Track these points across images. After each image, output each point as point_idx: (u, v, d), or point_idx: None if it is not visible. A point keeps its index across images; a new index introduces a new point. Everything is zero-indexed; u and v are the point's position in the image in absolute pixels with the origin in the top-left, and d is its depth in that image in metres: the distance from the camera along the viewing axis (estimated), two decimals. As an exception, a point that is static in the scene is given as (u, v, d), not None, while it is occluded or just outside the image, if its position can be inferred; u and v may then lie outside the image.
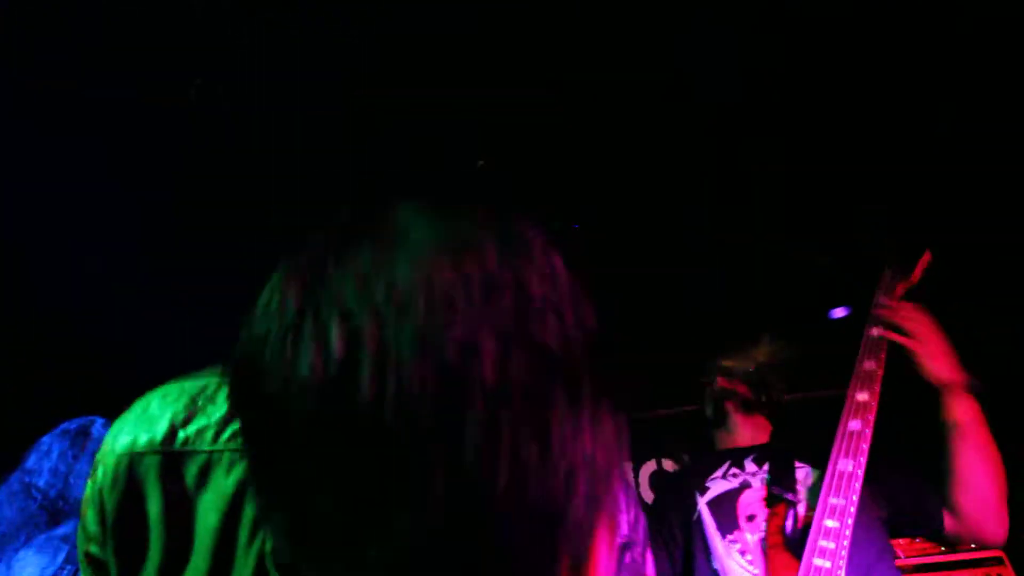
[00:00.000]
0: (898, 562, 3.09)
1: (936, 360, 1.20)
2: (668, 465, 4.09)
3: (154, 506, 0.52)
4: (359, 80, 1.99)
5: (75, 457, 2.01)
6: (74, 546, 1.90)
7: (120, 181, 2.24)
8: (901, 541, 3.25)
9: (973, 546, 3.14)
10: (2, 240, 2.37)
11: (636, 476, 4.19)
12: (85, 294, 2.65)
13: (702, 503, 1.36)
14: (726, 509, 1.30)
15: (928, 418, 1.21)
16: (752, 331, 3.72)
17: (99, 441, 2.06)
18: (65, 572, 1.85)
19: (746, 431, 1.50)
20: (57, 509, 1.96)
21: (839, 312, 3.41)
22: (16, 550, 1.90)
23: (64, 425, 2.07)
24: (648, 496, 4.12)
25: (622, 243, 3.01)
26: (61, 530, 1.92)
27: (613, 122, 2.32)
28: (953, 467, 1.15)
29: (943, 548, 3.21)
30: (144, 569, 0.52)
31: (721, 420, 1.53)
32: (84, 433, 2.06)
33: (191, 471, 0.52)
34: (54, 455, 2.01)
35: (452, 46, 1.89)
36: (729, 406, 1.53)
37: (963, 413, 1.17)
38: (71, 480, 1.98)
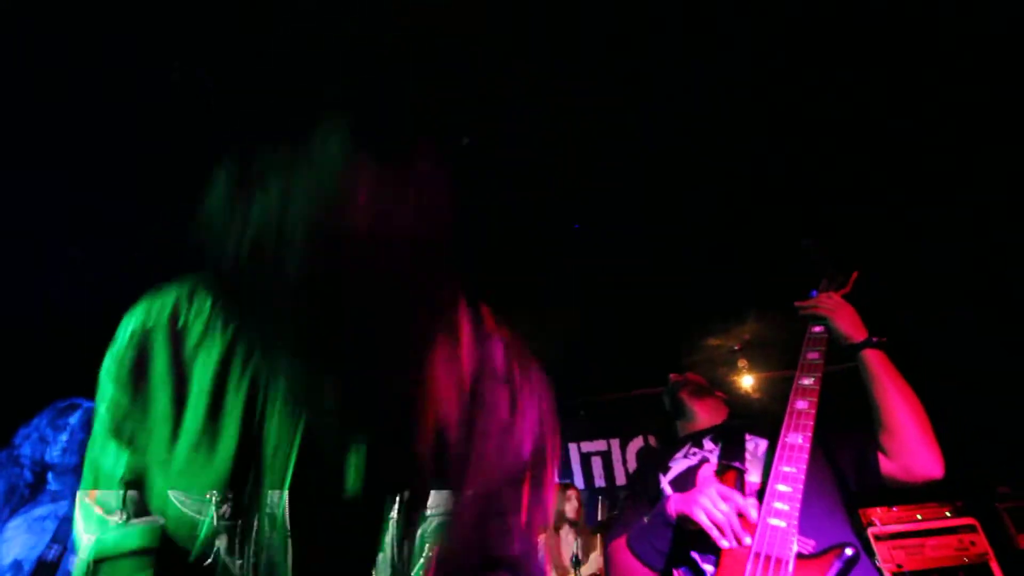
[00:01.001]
0: (874, 530, 3.21)
1: (845, 324, 1.39)
2: (653, 441, 4.23)
3: (161, 362, 0.72)
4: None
5: (56, 428, 2.12)
6: (61, 525, 1.98)
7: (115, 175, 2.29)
8: (878, 510, 3.37)
9: (948, 514, 3.26)
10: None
11: (623, 453, 4.33)
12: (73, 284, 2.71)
13: (664, 482, 1.47)
14: (686, 484, 1.39)
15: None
16: (737, 311, 3.83)
17: (83, 412, 2.17)
18: (52, 551, 1.93)
19: (703, 415, 1.59)
20: (38, 473, 2.06)
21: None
22: (4, 521, 2.00)
23: (52, 405, 2.17)
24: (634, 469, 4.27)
25: (613, 228, 3.08)
26: (49, 509, 2.01)
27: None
28: (877, 412, 1.30)
29: (919, 517, 3.31)
30: (154, 409, 0.71)
31: (680, 410, 1.62)
32: (70, 408, 2.17)
33: (191, 341, 0.73)
34: (38, 428, 2.13)
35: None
36: (683, 395, 1.62)
37: (873, 363, 1.32)
38: (49, 446, 2.08)
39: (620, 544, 1.38)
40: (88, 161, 2.14)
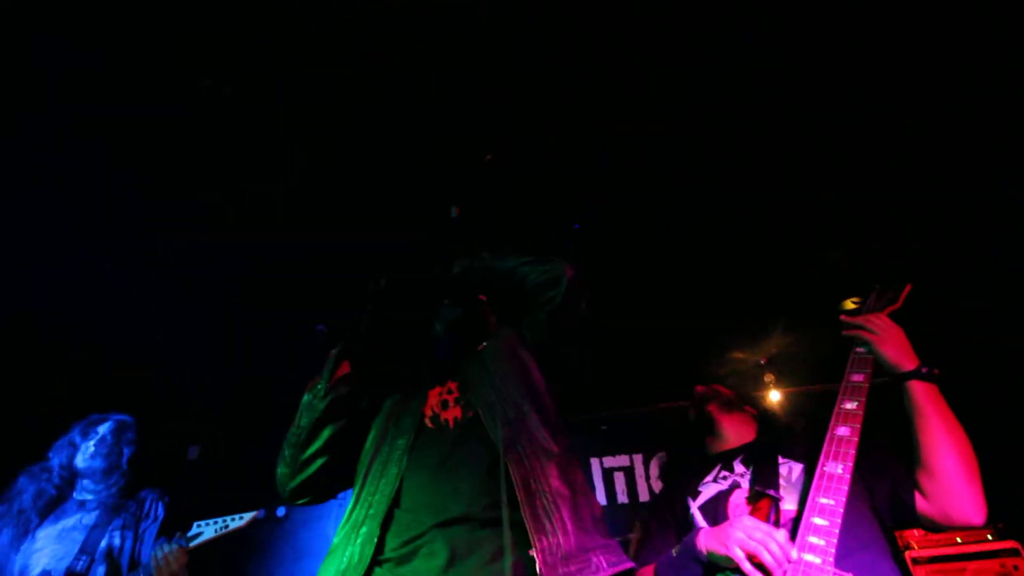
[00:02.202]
0: (911, 553, 3.08)
1: (892, 351, 1.28)
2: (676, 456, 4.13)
3: None
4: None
5: (85, 435, 2.18)
6: (89, 535, 2.00)
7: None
8: (915, 533, 3.23)
9: (990, 537, 3.13)
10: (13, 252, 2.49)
11: (647, 468, 4.24)
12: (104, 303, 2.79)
13: (694, 507, 1.40)
14: (716, 511, 1.34)
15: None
16: (763, 323, 3.73)
17: (113, 422, 2.24)
18: (81, 562, 1.96)
19: (731, 431, 1.51)
20: (66, 479, 2.13)
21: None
22: (33, 529, 2.03)
23: (88, 417, 2.22)
24: (657, 486, 4.17)
25: (637, 238, 3.04)
26: (77, 520, 2.04)
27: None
28: (918, 449, 1.20)
29: (959, 540, 3.19)
30: None
31: (707, 425, 1.54)
32: (102, 419, 2.24)
33: None
34: (70, 436, 2.19)
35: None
36: (712, 409, 1.54)
37: (920, 397, 1.22)
38: (77, 451, 2.14)
39: (648, 574, 1.33)
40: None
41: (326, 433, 1.26)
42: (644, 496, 4.13)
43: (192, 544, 2.01)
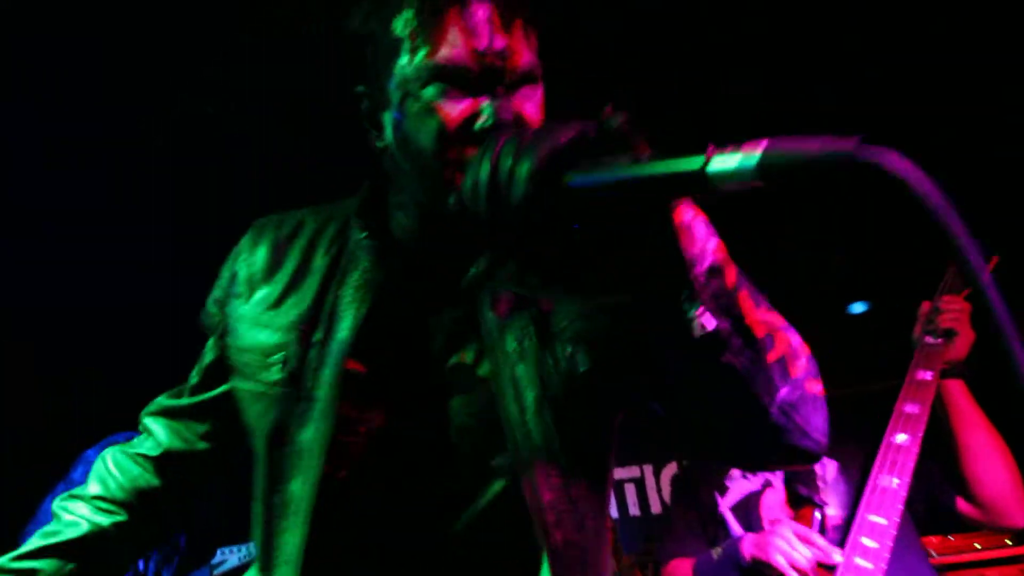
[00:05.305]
0: (932, 560, 3.06)
1: (966, 343, 1.16)
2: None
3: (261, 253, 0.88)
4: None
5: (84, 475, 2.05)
6: None
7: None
8: (934, 539, 3.22)
9: (1009, 542, 3.13)
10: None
11: (658, 480, 4.19)
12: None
13: (724, 506, 1.33)
14: (749, 513, 1.27)
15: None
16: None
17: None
18: None
19: None
20: None
21: (858, 307, 3.37)
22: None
23: (111, 438, 2.09)
24: (669, 496, 4.12)
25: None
26: None
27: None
28: (957, 451, 1.12)
29: (977, 546, 3.21)
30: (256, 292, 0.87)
31: None
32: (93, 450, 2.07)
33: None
34: (72, 476, 2.00)
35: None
36: None
37: (963, 396, 1.14)
38: None
39: (683, 569, 1.29)
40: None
41: None
42: (656, 508, 4.07)
43: (216, 572, 2.01)
